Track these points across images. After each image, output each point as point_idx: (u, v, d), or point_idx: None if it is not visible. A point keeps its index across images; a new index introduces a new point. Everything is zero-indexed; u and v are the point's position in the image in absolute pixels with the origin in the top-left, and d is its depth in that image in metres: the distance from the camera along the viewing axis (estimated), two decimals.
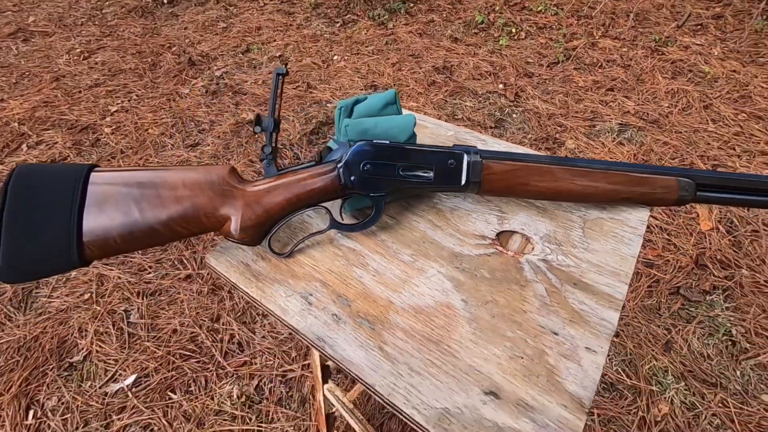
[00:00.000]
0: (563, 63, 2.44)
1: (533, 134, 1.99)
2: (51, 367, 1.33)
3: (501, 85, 2.34)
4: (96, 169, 0.49)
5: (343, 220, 0.55)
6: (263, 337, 1.39)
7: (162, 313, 1.45)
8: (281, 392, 1.26)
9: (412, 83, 2.43)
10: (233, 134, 2.19)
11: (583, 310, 0.44)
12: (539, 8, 2.89)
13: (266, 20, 3.20)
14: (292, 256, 0.52)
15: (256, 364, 1.32)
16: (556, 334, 0.42)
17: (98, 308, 1.47)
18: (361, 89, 2.45)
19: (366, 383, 0.39)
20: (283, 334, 1.38)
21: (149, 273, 1.56)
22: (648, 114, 2.05)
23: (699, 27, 2.58)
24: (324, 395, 0.83)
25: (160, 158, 2.07)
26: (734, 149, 1.85)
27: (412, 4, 3.15)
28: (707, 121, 1.98)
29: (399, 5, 3.08)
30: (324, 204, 0.52)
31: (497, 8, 2.96)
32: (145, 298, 1.49)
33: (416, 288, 0.48)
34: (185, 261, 1.60)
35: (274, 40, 2.97)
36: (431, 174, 0.51)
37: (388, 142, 0.51)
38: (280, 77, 0.53)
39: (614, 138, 1.94)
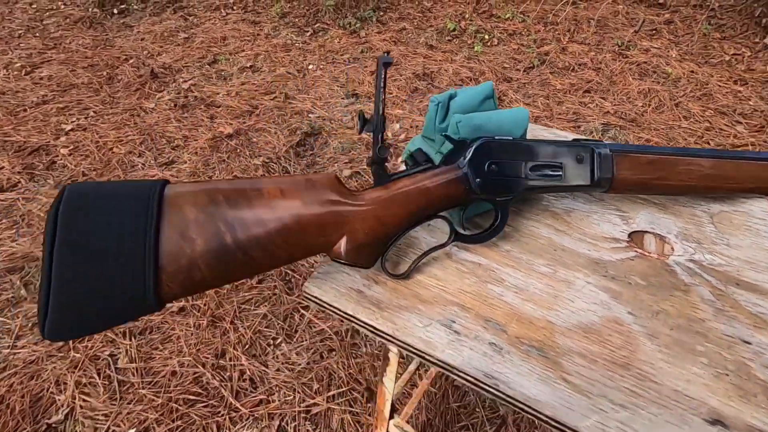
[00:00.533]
0: (539, 67, 2.51)
1: None
2: None
3: None
4: (169, 184, 0.39)
5: (464, 230, 0.47)
6: (278, 370, 1.26)
7: (156, 353, 1.28)
8: (308, 431, 1.14)
9: (394, 91, 2.39)
10: (212, 149, 2.03)
11: (762, 313, 0.40)
12: (507, 16, 2.97)
13: (231, 30, 3.05)
14: (410, 277, 0.44)
15: (273, 401, 1.19)
16: (748, 342, 0.37)
17: (77, 355, 1.27)
18: (342, 98, 2.37)
19: (567, 427, 0.32)
20: (300, 365, 1.25)
21: None
22: (626, 113, 2.14)
23: (654, 32, 2.76)
24: None
25: (132, 179, 1.87)
26: (709, 143, 1.96)
27: (382, 13, 3.13)
28: (680, 118, 2.10)
29: (370, 14, 3.05)
30: (441, 213, 0.45)
31: (467, 16, 3.01)
32: (132, 338, 1.31)
33: (571, 303, 0.41)
34: None
35: (243, 50, 2.83)
36: (560, 172, 0.45)
37: (511, 137, 0.45)
38: (386, 67, 0.45)
39: (600, 137, 1.99)
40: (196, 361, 1.25)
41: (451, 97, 0.53)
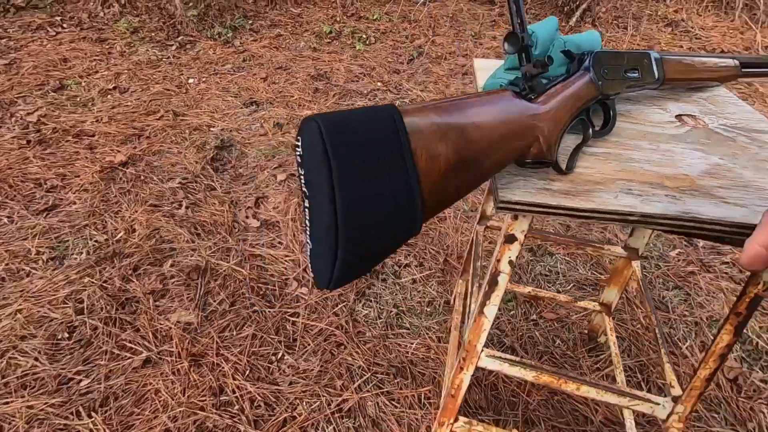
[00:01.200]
0: (418, 59, 2.76)
1: None
2: None
3: (379, 83, 2.49)
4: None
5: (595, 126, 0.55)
6: (291, 383, 1.15)
7: (134, 420, 1.04)
8: (349, 427, 1.07)
9: (296, 93, 2.35)
10: (107, 182, 1.70)
11: None
12: (375, 17, 3.18)
13: (71, 50, 2.57)
14: (573, 170, 0.49)
15: (300, 414, 1.08)
16: None
17: None
18: (241, 107, 2.23)
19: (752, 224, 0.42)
20: (313, 370, 1.16)
21: (83, 380, 1.09)
22: None
23: (494, 23, 3.30)
24: None
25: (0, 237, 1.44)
26: None
27: (251, 21, 3.03)
28: None
29: (242, 22, 2.92)
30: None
31: (338, 19, 3.12)
32: (95, 412, 1.04)
33: (685, 161, 0.52)
34: (132, 344, 1.18)
35: (96, 72, 2.42)
36: (638, 74, 0.56)
37: (608, 50, 0.54)
38: None
39: None
40: (191, 409, 1.06)
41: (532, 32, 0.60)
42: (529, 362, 0.76)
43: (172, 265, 1.40)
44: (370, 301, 1.35)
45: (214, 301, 1.31)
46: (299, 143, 0.32)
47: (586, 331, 1.25)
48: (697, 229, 0.43)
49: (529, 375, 0.74)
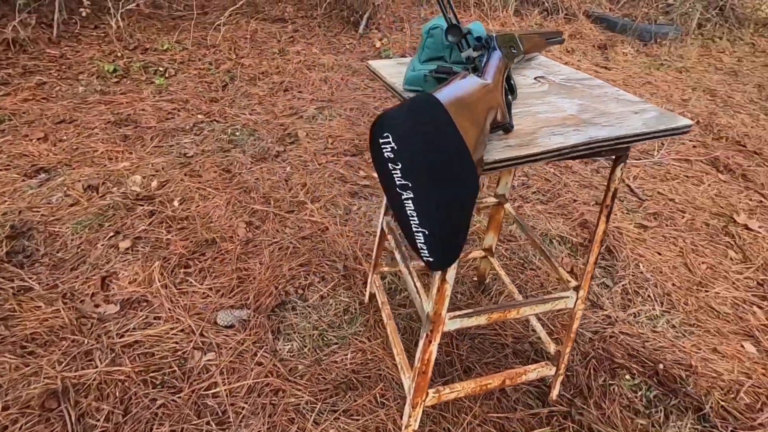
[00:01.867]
0: (232, 83, 2.63)
1: (270, 138, 2.14)
2: None
3: (200, 115, 2.28)
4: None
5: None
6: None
7: None
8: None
9: (100, 146, 1.95)
10: None
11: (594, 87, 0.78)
12: (165, 47, 2.87)
13: None
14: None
15: None
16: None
17: None
18: (23, 179, 1.74)
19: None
20: None
21: None
22: (324, 96, 2.61)
23: (292, 39, 3.38)
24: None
25: None
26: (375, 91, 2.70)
27: None
28: (354, 88, 2.76)
29: None
30: None
31: (119, 54, 2.70)
32: None
33: (564, 105, 0.67)
34: None
35: None
36: (515, 50, 0.69)
37: (498, 33, 0.65)
38: None
39: (322, 118, 2.38)
40: None
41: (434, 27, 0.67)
42: (479, 309, 0.84)
43: (5, 408, 1.01)
44: (289, 334, 1.25)
45: (98, 421, 1.00)
46: (388, 139, 0.31)
47: (475, 278, 1.43)
48: (599, 148, 0.55)
49: (483, 319, 0.82)
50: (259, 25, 3.43)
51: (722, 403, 1.11)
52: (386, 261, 1.48)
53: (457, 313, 0.85)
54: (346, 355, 1.20)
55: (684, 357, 1.22)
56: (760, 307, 1.41)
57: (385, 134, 0.34)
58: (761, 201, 1.88)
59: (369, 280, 1.29)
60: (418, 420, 0.94)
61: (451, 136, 0.37)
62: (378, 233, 1.16)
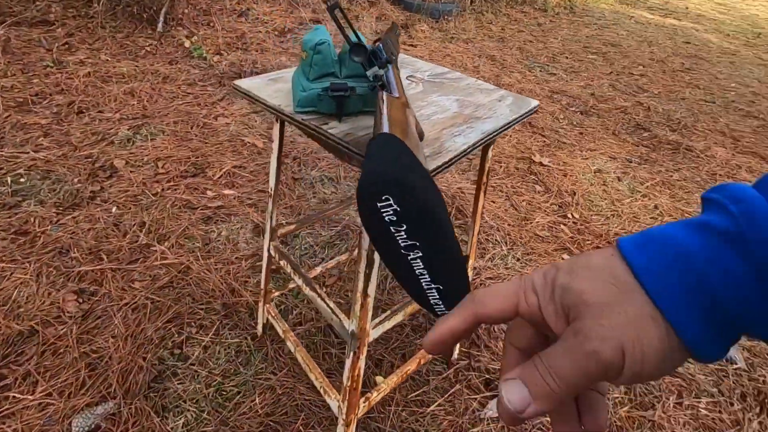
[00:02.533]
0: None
1: (74, 176, 1.70)
2: None
3: None
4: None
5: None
6: None
7: None
8: None
9: None
10: None
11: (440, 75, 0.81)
12: None
13: None
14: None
15: None
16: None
17: None
18: None
19: None
20: None
21: None
22: (138, 112, 2.18)
23: (66, 46, 2.71)
24: None
25: None
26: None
27: None
28: (190, 103, 2.39)
29: None
30: None
31: None
32: None
33: (445, 103, 0.66)
34: None
35: None
36: (394, 54, 0.67)
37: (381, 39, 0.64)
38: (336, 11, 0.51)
39: (141, 139, 1.99)
40: None
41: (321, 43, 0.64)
42: (395, 308, 0.84)
43: None
44: (179, 405, 1.04)
45: None
46: (389, 201, 0.29)
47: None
48: (487, 140, 0.57)
49: (400, 317, 0.84)
50: (11, 32, 2.63)
51: None
52: (275, 286, 1.34)
53: (378, 320, 0.82)
54: (254, 400, 1.06)
55: None
56: (565, 225, 1.77)
57: (384, 197, 0.29)
58: (545, 141, 2.34)
59: (260, 312, 1.15)
60: None
61: (428, 175, 0.33)
62: (265, 261, 1.03)
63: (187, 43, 2.75)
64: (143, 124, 2.06)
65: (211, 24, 3.11)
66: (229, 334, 1.21)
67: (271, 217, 0.96)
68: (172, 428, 1.00)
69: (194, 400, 1.05)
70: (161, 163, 1.85)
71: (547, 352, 0.22)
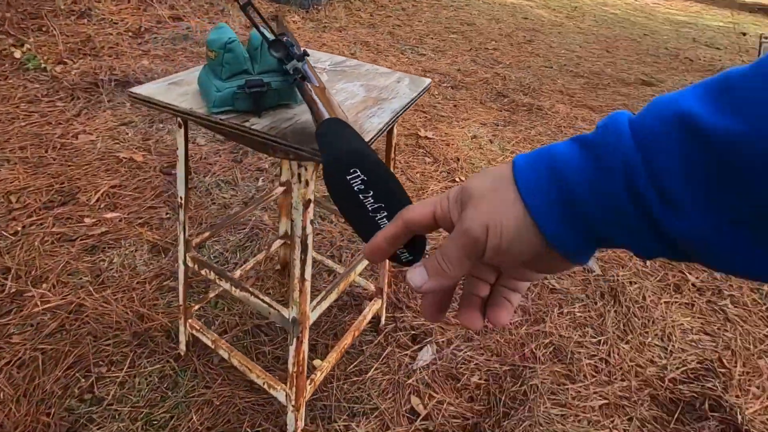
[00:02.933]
0: None
1: None
2: None
3: None
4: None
5: None
6: None
7: None
8: None
9: None
10: None
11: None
12: None
13: None
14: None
15: None
16: None
17: None
18: None
19: None
20: None
21: None
22: None
23: None
24: None
25: None
26: None
27: None
28: (36, 122, 2.03)
29: None
30: None
31: None
32: None
33: (352, 89, 0.72)
34: None
35: None
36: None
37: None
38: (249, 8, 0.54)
39: None
40: None
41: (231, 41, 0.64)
42: (329, 287, 0.90)
43: None
44: None
45: None
46: (357, 173, 0.35)
47: (278, 267, 1.43)
48: (397, 117, 0.66)
49: (335, 294, 0.91)
50: None
51: None
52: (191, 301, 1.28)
53: (315, 302, 0.87)
54: (191, 419, 1.03)
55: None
56: None
57: (351, 170, 0.34)
58: (426, 117, 2.56)
59: (182, 329, 1.10)
60: (304, 417, 0.95)
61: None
62: (182, 274, 0.99)
63: (17, 54, 2.33)
64: None
65: (45, 29, 2.67)
66: (147, 362, 1.14)
67: (185, 228, 0.93)
68: None
69: None
70: (14, 197, 1.59)
71: (442, 243, 0.30)
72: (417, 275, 0.29)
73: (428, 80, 0.83)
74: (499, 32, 4.48)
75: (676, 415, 1.16)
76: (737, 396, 1.22)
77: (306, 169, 0.67)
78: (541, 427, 1.08)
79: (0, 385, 1.04)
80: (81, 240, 1.46)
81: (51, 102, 2.12)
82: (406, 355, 1.21)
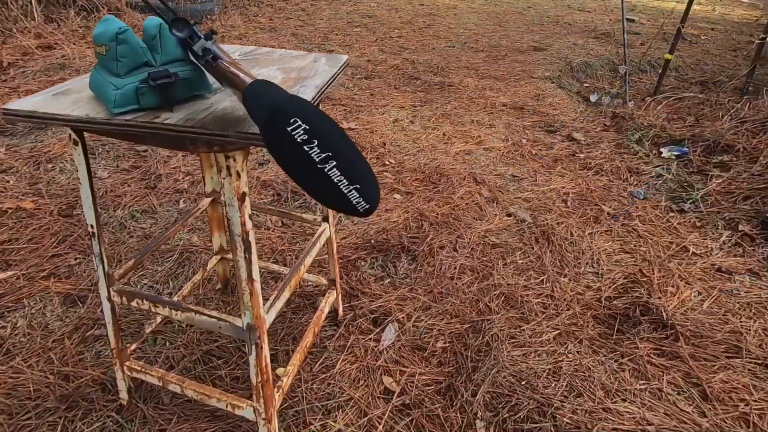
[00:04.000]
0: None
1: None
2: None
3: None
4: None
5: None
6: None
7: None
8: None
9: None
10: None
11: None
12: None
13: None
14: None
15: None
16: None
17: None
18: None
19: None
20: None
21: None
22: None
23: None
24: None
25: None
26: None
27: None
28: None
29: None
30: None
31: None
32: None
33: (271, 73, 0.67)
34: None
35: None
36: None
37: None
38: None
39: None
40: None
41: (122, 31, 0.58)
42: (281, 285, 0.85)
43: None
44: None
45: None
46: (297, 123, 0.33)
47: (218, 287, 1.33)
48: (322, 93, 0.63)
49: (287, 293, 0.86)
50: None
51: (410, 245, 1.57)
52: (129, 341, 1.14)
53: (268, 304, 0.81)
54: None
55: (379, 227, 1.62)
56: (386, 171, 2.00)
57: (291, 120, 0.33)
58: (346, 109, 2.54)
59: (119, 376, 0.98)
60: (277, 429, 0.89)
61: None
62: (108, 312, 0.88)
63: None
64: None
65: None
66: (82, 425, 0.99)
67: (102, 260, 0.81)
68: None
69: None
70: None
71: None
72: None
73: (345, 56, 0.81)
74: (400, 20, 4.59)
75: (616, 327, 1.27)
76: (659, 298, 1.37)
77: (235, 160, 0.62)
78: (507, 370, 1.12)
79: None
80: None
81: None
82: (370, 339, 1.19)
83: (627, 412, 1.05)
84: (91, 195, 0.76)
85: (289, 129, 0.34)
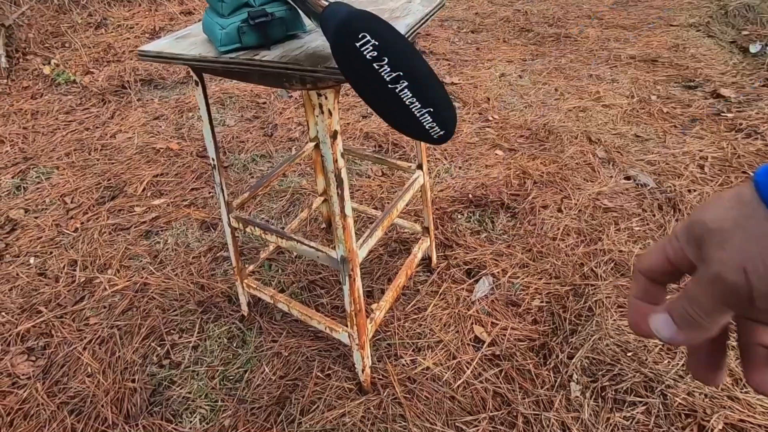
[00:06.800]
0: None
1: None
2: None
3: None
4: None
5: None
6: None
7: None
8: None
9: None
10: None
11: None
12: None
13: None
14: None
15: None
16: None
17: None
18: None
19: None
20: None
21: None
22: (17, 157, 1.93)
23: None
24: None
25: None
26: None
27: None
28: (73, 128, 2.14)
29: None
30: None
31: None
32: None
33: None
34: None
35: None
36: None
37: None
38: None
39: (34, 181, 1.78)
40: None
41: None
42: (373, 226, 0.88)
43: None
44: (188, 407, 1.02)
45: None
46: (366, 38, 0.31)
47: (323, 226, 1.43)
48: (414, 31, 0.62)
49: (380, 232, 0.88)
50: None
51: (509, 202, 1.49)
52: (248, 262, 1.31)
53: (361, 240, 0.85)
54: (263, 371, 1.07)
55: (478, 182, 1.56)
56: (489, 127, 1.89)
57: (360, 35, 0.31)
58: (449, 64, 2.44)
59: (240, 291, 1.13)
60: (370, 355, 0.95)
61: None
62: (229, 235, 1.01)
63: (46, 71, 2.43)
64: (28, 168, 1.84)
65: (68, 44, 2.77)
66: (214, 326, 1.18)
67: (223, 189, 0.93)
68: (190, 428, 0.97)
69: (203, 396, 1.02)
70: (69, 198, 1.68)
71: (687, 284, 0.23)
72: (662, 324, 0.24)
73: None
74: None
75: None
76: None
77: (326, 98, 0.64)
78: (611, 339, 1.03)
79: (86, 360, 1.12)
80: (135, 227, 1.52)
81: (86, 109, 2.21)
82: (463, 289, 1.19)
83: (761, 405, 0.91)
84: (212, 132, 0.85)
85: (357, 44, 0.31)
